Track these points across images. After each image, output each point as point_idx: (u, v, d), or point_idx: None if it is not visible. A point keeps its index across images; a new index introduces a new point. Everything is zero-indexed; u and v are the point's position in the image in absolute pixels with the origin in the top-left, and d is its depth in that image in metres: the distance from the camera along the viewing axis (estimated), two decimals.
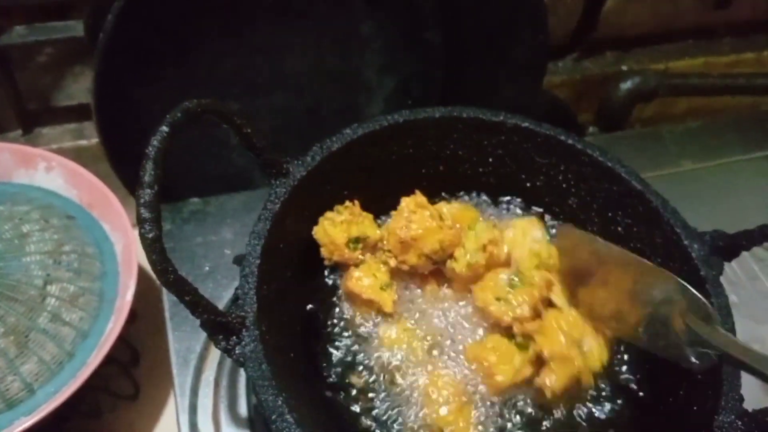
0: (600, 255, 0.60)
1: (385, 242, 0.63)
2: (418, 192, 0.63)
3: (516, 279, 0.59)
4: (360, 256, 0.63)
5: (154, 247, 0.43)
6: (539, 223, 0.67)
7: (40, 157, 0.83)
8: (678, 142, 1.01)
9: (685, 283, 0.54)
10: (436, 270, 0.64)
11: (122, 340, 0.71)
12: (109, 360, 0.69)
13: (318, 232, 0.64)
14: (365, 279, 0.61)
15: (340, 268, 0.64)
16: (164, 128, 0.46)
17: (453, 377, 0.58)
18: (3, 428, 0.64)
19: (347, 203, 0.65)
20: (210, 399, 0.68)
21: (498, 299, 0.58)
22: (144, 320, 0.83)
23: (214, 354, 0.70)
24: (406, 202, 0.62)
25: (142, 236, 0.43)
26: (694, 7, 1.19)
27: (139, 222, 0.43)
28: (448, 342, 0.60)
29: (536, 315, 0.58)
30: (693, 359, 0.52)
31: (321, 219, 0.64)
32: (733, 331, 0.58)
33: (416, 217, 0.60)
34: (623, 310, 0.58)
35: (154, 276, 0.87)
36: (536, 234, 0.65)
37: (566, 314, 0.59)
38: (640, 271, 0.57)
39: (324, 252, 0.63)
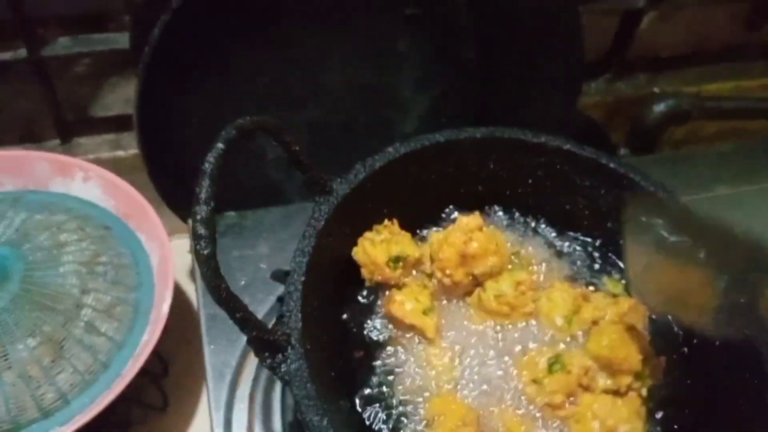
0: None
1: (433, 256, 0.63)
2: (477, 213, 0.62)
3: (556, 364, 0.57)
4: (402, 277, 0.62)
5: (209, 263, 0.43)
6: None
7: (77, 167, 0.83)
8: (712, 166, 1.00)
9: None
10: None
11: (154, 351, 0.71)
12: (142, 372, 0.69)
13: (358, 252, 0.63)
14: (408, 303, 0.60)
15: (381, 288, 0.64)
16: (220, 145, 0.46)
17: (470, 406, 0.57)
18: None
19: (386, 222, 0.65)
20: (245, 414, 0.67)
21: (534, 381, 0.57)
22: (174, 331, 0.83)
23: (250, 369, 0.69)
24: (466, 221, 0.62)
25: (197, 252, 0.43)
26: (727, 27, 1.19)
27: (195, 238, 0.43)
28: (488, 369, 0.59)
29: (570, 401, 0.57)
30: None
31: (360, 240, 0.64)
32: None
33: (477, 236, 0.61)
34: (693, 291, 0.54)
35: (185, 287, 0.89)
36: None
37: (602, 400, 0.57)
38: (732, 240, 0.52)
39: (365, 273, 0.63)
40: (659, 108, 1.07)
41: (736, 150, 1.06)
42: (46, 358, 0.68)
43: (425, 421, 0.56)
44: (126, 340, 0.72)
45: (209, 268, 0.44)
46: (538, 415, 0.57)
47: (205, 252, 0.43)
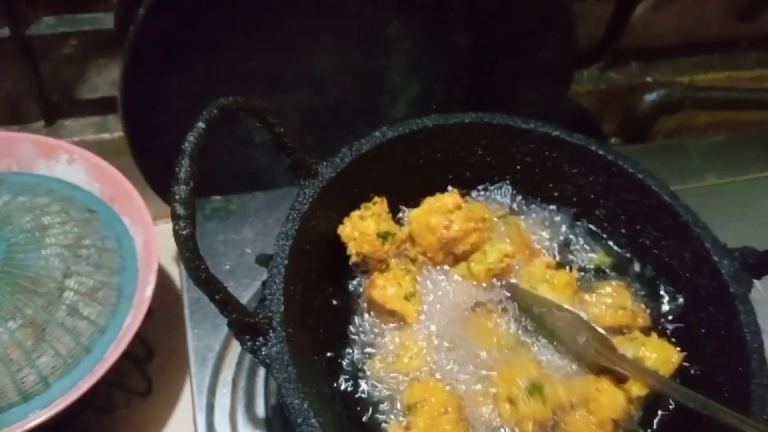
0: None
1: (413, 236, 0.63)
2: (456, 191, 0.62)
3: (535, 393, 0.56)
4: (389, 254, 0.62)
5: (187, 244, 0.43)
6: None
7: (62, 149, 0.82)
8: (702, 156, 1.00)
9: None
10: None
11: (137, 336, 0.70)
12: (125, 356, 0.69)
13: (344, 229, 0.62)
14: (389, 288, 0.59)
15: (366, 266, 0.63)
16: (201, 124, 0.45)
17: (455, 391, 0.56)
18: (18, 421, 0.63)
19: (376, 198, 0.64)
20: (227, 399, 0.67)
21: (510, 401, 0.55)
22: (159, 316, 0.82)
23: (233, 353, 0.69)
24: (445, 201, 0.62)
25: (175, 233, 0.43)
26: (719, 19, 1.18)
27: (174, 218, 0.43)
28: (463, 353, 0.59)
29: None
30: None
31: (346, 219, 0.63)
32: (762, 349, 0.57)
33: (455, 217, 0.60)
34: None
35: (170, 272, 0.88)
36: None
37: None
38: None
39: (352, 247, 0.61)
40: (651, 97, 1.07)
41: (726, 141, 1.06)
42: (27, 341, 0.67)
43: (406, 406, 0.55)
44: (109, 324, 0.72)
45: (188, 248, 0.43)
46: None
47: (184, 232, 0.43)
